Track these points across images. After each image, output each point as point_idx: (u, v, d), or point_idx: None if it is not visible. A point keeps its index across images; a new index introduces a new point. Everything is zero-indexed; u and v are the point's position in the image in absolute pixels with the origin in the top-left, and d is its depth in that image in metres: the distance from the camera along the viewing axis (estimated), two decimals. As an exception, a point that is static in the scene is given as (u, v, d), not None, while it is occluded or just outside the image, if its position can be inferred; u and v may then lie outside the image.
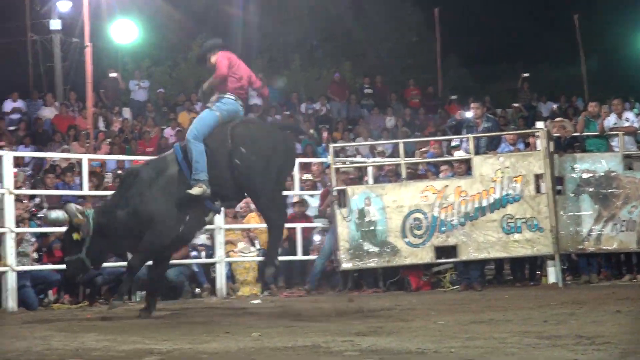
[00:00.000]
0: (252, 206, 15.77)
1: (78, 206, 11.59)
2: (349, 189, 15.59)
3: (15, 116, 23.26)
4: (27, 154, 18.42)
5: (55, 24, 27.31)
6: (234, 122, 11.38)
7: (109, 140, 21.31)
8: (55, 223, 11.99)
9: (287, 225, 14.81)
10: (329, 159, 15.88)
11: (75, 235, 11.17)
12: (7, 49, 30.23)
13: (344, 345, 8.00)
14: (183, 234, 11.50)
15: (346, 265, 15.35)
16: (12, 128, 22.11)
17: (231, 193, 11.50)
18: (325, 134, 22.56)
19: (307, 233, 16.23)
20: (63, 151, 19.36)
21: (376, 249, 15.31)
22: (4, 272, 13.06)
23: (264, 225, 15.22)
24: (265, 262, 11.92)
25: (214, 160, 11.18)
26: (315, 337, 8.71)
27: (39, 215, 14.55)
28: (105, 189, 16.03)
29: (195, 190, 11.02)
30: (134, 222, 11.23)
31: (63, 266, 13.77)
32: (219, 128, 11.33)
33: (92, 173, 15.55)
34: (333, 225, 15.38)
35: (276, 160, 11.36)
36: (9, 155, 13.59)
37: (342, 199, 15.39)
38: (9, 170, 13.35)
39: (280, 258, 15.31)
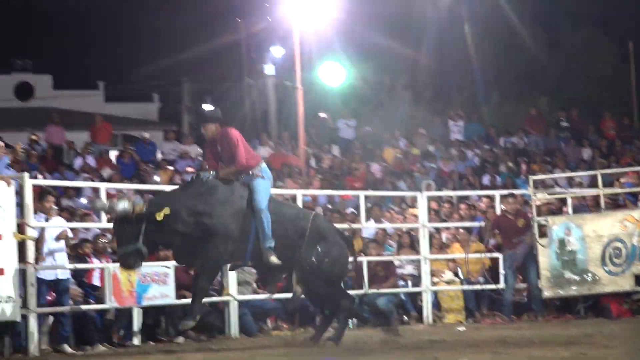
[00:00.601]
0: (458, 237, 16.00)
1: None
2: (550, 220, 15.60)
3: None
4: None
5: (269, 69, 28.24)
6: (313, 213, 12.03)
7: (319, 176, 21.72)
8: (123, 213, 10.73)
9: (487, 255, 15.02)
10: (529, 190, 15.94)
11: (158, 216, 10.59)
12: (226, 93, 31.49)
13: (549, 371, 8.09)
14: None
15: (547, 293, 15.30)
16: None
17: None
18: (523, 167, 22.43)
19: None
20: (277, 187, 19.91)
21: (576, 277, 15.22)
22: (227, 302, 13.56)
23: (471, 255, 15.49)
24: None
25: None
26: (520, 362, 8.82)
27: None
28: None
29: (274, 260, 11.08)
30: (194, 228, 10.85)
31: (282, 295, 14.41)
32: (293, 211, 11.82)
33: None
34: (513, 255, 15.29)
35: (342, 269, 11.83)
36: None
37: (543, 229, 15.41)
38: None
39: (485, 287, 15.53)
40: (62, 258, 12.03)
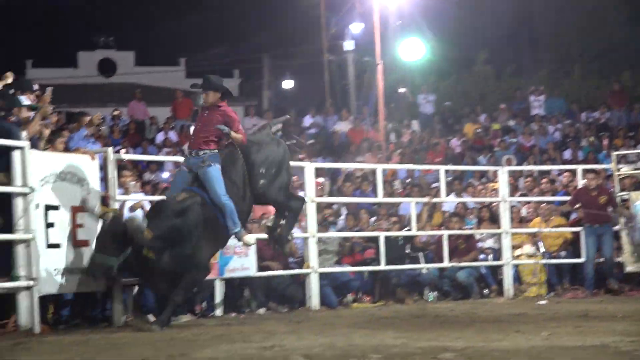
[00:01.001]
0: (539, 211, 15.74)
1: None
2: (633, 195, 15.27)
3: (313, 130, 24.11)
4: (326, 165, 18.86)
5: (348, 45, 28.23)
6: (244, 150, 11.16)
7: (399, 151, 21.66)
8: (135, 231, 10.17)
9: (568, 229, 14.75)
10: (612, 165, 15.62)
11: (147, 253, 10.22)
12: (305, 69, 31.52)
13: (633, 345, 7.84)
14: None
15: (630, 267, 15.03)
16: (310, 142, 22.86)
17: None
18: (605, 142, 22.03)
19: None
20: (357, 162, 19.89)
21: (659, 252, 14.92)
22: (308, 274, 13.52)
23: (550, 230, 15.26)
24: (282, 240, 11.61)
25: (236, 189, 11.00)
26: (603, 337, 8.58)
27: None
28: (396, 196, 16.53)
29: (250, 239, 11.06)
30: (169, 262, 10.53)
31: (361, 268, 14.37)
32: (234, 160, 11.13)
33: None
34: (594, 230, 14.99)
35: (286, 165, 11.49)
36: (310, 167, 13.93)
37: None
38: (311, 180, 13.74)
39: (565, 261, 15.29)
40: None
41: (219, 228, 10.82)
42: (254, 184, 11.12)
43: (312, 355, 7.73)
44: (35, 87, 11.64)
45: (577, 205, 15.25)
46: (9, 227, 10.17)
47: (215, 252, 11.32)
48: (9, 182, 10.13)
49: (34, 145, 10.46)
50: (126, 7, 39.61)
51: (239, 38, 33.28)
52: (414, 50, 26.10)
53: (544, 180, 16.94)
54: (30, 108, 10.92)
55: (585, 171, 15.70)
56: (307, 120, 24.63)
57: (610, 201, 15.09)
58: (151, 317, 11.17)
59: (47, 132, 11.21)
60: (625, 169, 15.76)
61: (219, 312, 12.51)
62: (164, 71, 36.98)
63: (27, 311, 10.12)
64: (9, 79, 11.37)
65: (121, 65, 38.81)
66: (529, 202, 16.41)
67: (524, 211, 16.32)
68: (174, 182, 11.34)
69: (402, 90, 26.92)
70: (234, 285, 12.88)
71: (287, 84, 34.40)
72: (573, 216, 15.87)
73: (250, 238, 11.12)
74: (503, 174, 15.50)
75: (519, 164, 20.17)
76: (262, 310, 12.88)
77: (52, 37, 36.59)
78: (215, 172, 10.78)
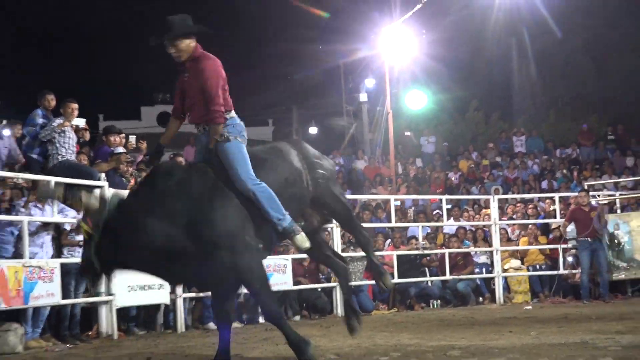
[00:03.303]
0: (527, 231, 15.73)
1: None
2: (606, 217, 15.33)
3: (336, 168, 24.13)
4: (350, 196, 18.87)
5: (363, 97, 28.32)
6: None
7: (405, 184, 21.68)
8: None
9: (546, 246, 14.73)
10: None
11: (83, 226, 6.55)
12: (328, 117, 31.66)
13: (607, 342, 7.86)
14: None
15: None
16: (333, 177, 22.86)
17: None
18: (575, 174, 22.04)
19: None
20: (372, 194, 19.93)
21: (625, 264, 14.89)
22: (334, 287, 13.44)
23: (534, 247, 15.21)
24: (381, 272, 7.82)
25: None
26: (582, 335, 8.59)
27: None
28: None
29: (305, 241, 6.99)
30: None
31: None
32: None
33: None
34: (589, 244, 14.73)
35: None
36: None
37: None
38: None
39: (547, 272, 15.24)
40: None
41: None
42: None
43: (342, 354, 7.77)
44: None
45: (571, 222, 14.95)
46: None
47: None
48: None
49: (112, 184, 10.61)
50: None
51: (272, 91, 33.48)
52: (418, 101, 26.18)
53: (531, 206, 16.95)
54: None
55: (580, 190, 15.50)
56: (330, 160, 24.69)
57: (598, 216, 14.78)
58: (212, 325, 11.19)
59: (130, 170, 11.36)
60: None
61: (261, 319, 12.52)
62: (210, 122, 37.20)
63: (107, 321, 10.25)
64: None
65: (175, 117, 39.06)
66: (514, 225, 16.42)
67: (510, 232, 16.33)
68: None
69: (407, 133, 27.00)
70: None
71: (313, 130, 34.55)
72: (550, 236, 15.87)
73: (305, 239, 6.90)
74: (494, 202, 15.54)
75: (505, 193, 20.16)
76: (297, 318, 12.90)
77: (119, 95, 37.01)
78: (235, 147, 6.74)
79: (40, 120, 10.89)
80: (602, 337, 8.30)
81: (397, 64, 22.75)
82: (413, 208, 18.47)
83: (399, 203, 18.10)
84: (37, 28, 36.78)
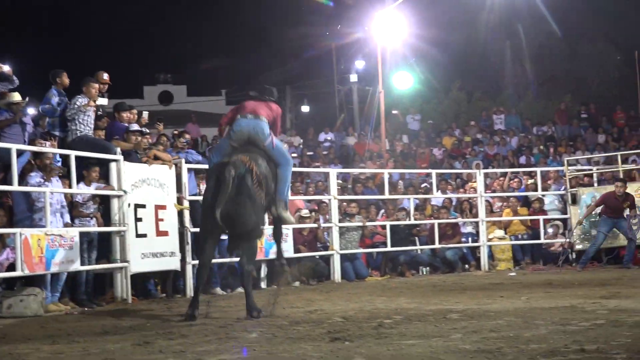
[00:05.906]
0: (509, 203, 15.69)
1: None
2: (580, 190, 15.29)
3: (327, 144, 24.07)
4: (339, 170, 18.84)
5: (353, 78, 28.23)
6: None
7: (393, 159, 21.62)
8: None
9: (528, 217, 14.68)
10: (564, 168, 15.60)
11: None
12: (320, 97, 31.54)
13: (594, 306, 7.86)
14: None
15: (578, 246, 14.98)
16: (325, 152, 22.87)
17: None
18: (551, 150, 22.02)
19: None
20: (362, 168, 19.84)
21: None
22: (331, 255, 13.52)
23: (518, 217, 15.18)
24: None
25: None
26: (570, 299, 8.59)
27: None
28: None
29: (291, 217, 8.94)
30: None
31: (371, 250, 14.30)
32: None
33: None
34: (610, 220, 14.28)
35: None
36: (333, 172, 14.28)
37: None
38: (334, 182, 13.87)
39: (528, 242, 15.22)
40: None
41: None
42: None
43: (348, 317, 7.72)
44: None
45: (601, 205, 14.43)
46: (107, 222, 10.21)
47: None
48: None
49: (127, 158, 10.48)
50: (180, 51, 40.20)
51: (268, 73, 33.27)
52: (404, 81, 26.19)
53: (515, 180, 16.89)
54: (141, 133, 10.99)
55: (616, 180, 14.79)
56: (322, 137, 24.59)
57: (631, 207, 14.33)
58: (219, 290, 11.14)
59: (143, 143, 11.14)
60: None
61: (263, 285, 12.47)
62: (209, 100, 37.00)
63: (121, 286, 10.15)
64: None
65: (176, 96, 38.87)
66: (499, 197, 16.38)
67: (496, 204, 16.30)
68: (219, 148, 8.86)
69: (395, 112, 26.92)
70: (274, 264, 12.83)
71: (305, 108, 34.36)
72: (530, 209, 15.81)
73: (290, 216, 8.77)
74: (480, 176, 15.49)
75: (485, 167, 20.08)
76: (297, 283, 12.81)
77: (123, 74, 36.72)
78: (282, 146, 8.72)
79: (56, 99, 10.66)
80: (589, 301, 8.29)
81: (387, 47, 22.63)
82: (401, 181, 18.37)
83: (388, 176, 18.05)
84: (42, 9, 36.56)
